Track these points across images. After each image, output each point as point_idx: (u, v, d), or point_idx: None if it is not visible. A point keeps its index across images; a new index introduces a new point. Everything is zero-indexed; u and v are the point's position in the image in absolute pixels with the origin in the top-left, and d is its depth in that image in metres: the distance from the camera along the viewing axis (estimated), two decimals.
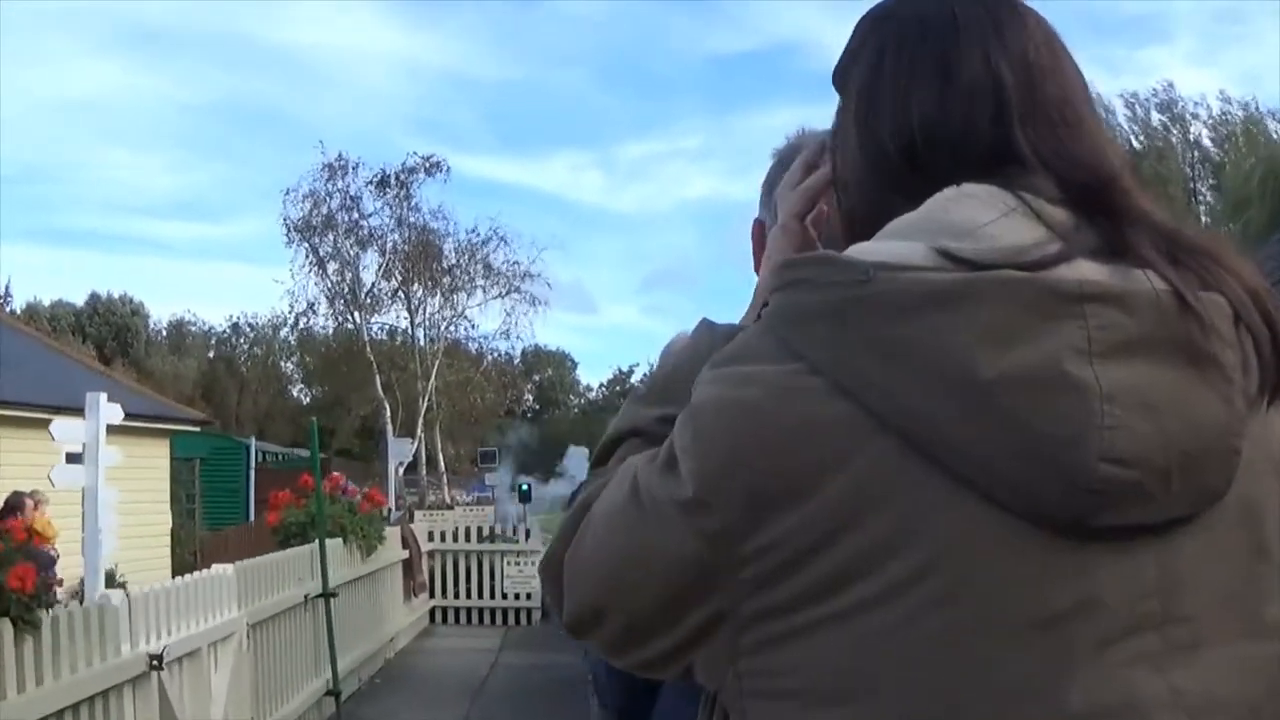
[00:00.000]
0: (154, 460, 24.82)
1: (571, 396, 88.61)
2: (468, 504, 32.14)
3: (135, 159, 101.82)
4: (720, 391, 1.12)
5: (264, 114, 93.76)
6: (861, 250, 1.12)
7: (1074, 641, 1.03)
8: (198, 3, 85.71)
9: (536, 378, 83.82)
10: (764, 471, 1.07)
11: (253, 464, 35.09)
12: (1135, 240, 1.09)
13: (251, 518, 30.47)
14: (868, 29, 1.26)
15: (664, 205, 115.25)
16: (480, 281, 38.21)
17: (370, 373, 36.67)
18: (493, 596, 17.75)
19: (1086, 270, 1.07)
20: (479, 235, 37.90)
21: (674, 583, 1.13)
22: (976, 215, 1.10)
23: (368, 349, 36.84)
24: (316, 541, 10.76)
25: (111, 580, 19.24)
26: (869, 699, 1.05)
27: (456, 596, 17.80)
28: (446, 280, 37.96)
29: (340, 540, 12.05)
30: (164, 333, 72.79)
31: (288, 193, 36.76)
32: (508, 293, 38.26)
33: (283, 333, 40.91)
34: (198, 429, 29.04)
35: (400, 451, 34.76)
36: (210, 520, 29.35)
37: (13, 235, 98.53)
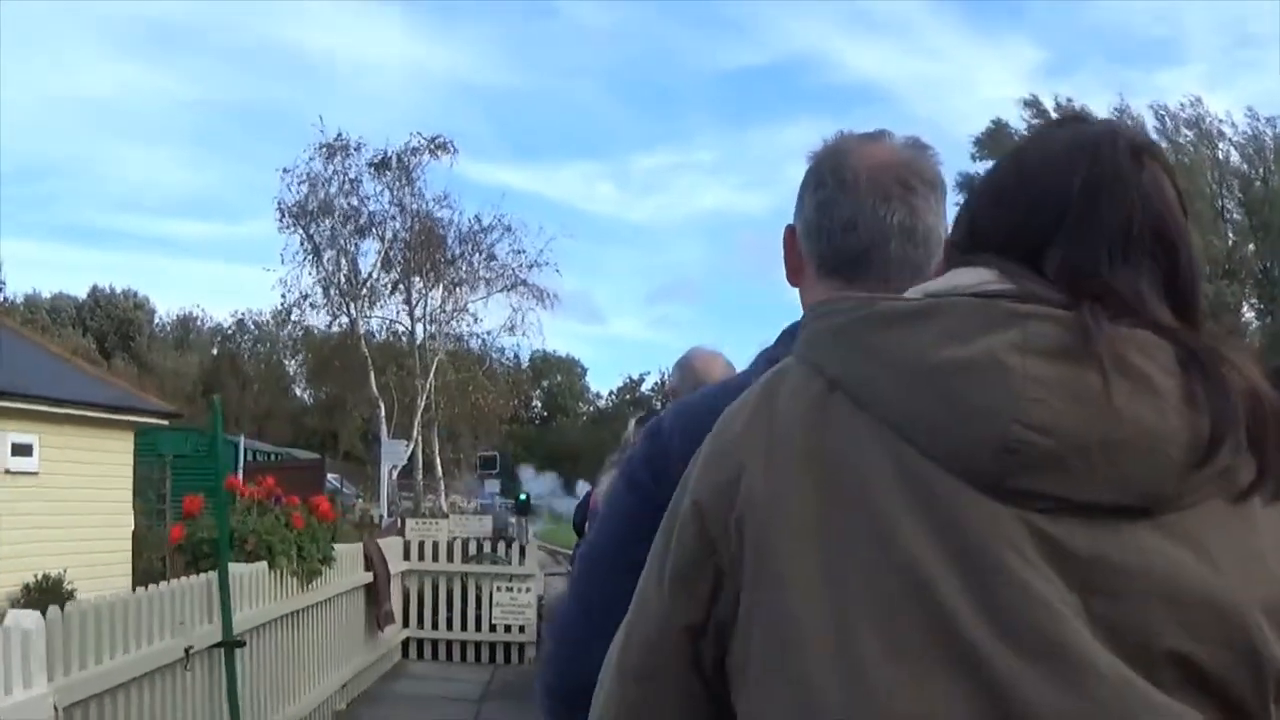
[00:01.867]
0: (114, 455, 21.77)
1: (581, 404, 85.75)
2: (469, 511, 29.12)
3: (148, 157, 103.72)
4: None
5: (277, 115, 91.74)
6: (879, 294, 1.36)
7: (996, 575, 1.14)
8: (214, 3, 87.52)
9: (545, 383, 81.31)
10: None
11: (241, 463, 32.14)
12: (1099, 310, 1.21)
13: None
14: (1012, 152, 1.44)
15: (675, 217, 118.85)
16: (484, 273, 34.88)
17: (366, 370, 33.36)
18: (479, 628, 14.32)
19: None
20: (482, 223, 34.60)
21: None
22: (960, 275, 1.33)
23: (363, 344, 33.51)
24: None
25: (59, 588, 16.59)
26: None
27: (435, 627, 14.37)
28: (450, 272, 34.67)
29: (267, 564, 8.68)
30: (169, 328, 69.87)
31: (284, 172, 33.52)
32: (514, 286, 34.90)
33: (276, 325, 37.33)
34: (165, 421, 26.02)
35: (394, 454, 31.62)
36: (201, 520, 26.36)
37: (24, 230, 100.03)
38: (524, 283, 34.68)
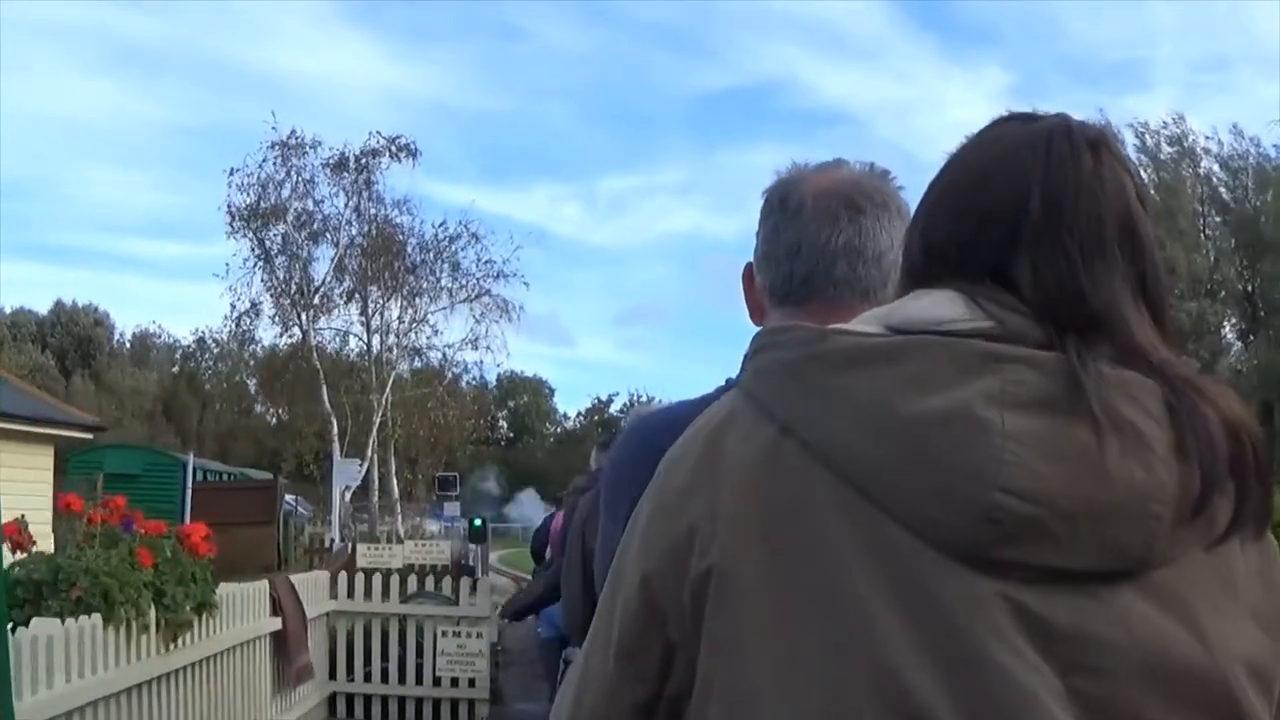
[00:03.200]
0: (32, 472, 19.20)
1: (548, 425, 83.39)
2: (432, 536, 26.55)
3: (119, 178, 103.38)
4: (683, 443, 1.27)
5: (247, 138, 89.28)
6: (831, 326, 1.20)
7: (975, 665, 1.04)
8: (187, 27, 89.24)
9: (511, 404, 79.21)
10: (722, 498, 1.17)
11: (189, 483, 29.78)
12: (1086, 349, 1.11)
13: None
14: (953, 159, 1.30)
15: (643, 240, 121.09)
16: (446, 282, 32.13)
17: (317, 383, 30.58)
18: (420, 681, 11.56)
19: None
20: (448, 230, 31.85)
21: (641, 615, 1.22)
22: (925, 308, 1.17)
23: (314, 355, 30.72)
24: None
25: None
26: (770, 707, 1.10)
27: (368, 680, 11.57)
28: (410, 281, 31.94)
29: (101, 617, 6.03)
30: (128, 345, 67.29)
31: (232, 173, 30.76)
32: (477, 296, 32.16)
33: (238, 344, 34.41)
34: (89, 435, 23.43)
35: (347, 474, 28.97)
36: None
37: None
38: (488, 293, 31.98)
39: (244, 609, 8.67)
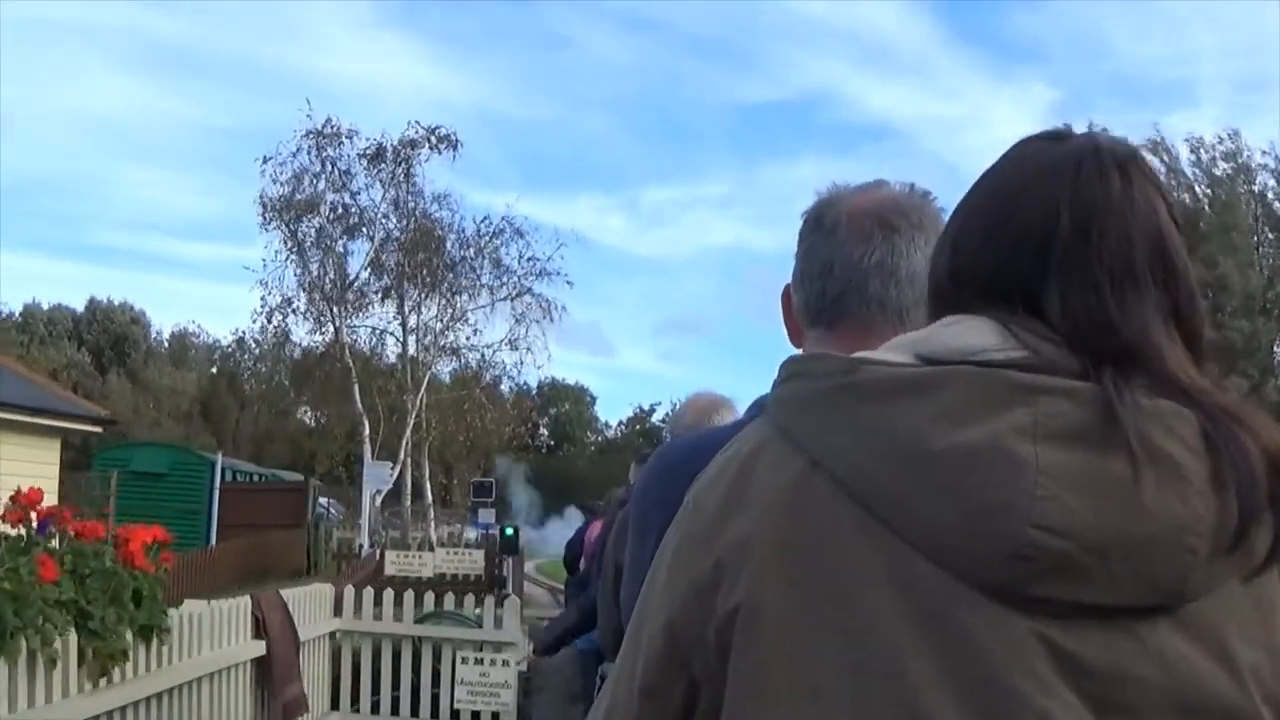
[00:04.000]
0: (35, 466, 17.77)
1: (589, 433, 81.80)
2: (470, 545, 25.01)
3: (159, 178, 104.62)
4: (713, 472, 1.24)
5: (288, 137, 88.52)
6: (859, 355, 1.18)
7: (1007, 705, 1.02)
8: (232, 29, 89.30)
9: (553, 411, 77.79)
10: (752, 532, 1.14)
11: (217, 483, 29.20)
12: (1122, 380, 1.09)
13: (213, 540, 26.70)
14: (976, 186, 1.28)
15: (685, 251, 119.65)
16: (487, 280, 30.55)
17: (349, 382, 29.03)
18: (435, 713, 9.90)
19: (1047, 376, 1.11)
20: (491, 225, 30.25)
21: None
22: (959, 336, 1.15)
23: (347, 353, 29.17)
24: None
25: None
26: None
27: (375, 711, 9.91)
28: (449, 278, 30.37)
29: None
30: (166, 344, 66.29)
31: (265, 162, 29.29)
32: (519, 294, 30.57)
33: (276, 345, 32.86)
34: (98, 429, 22.04)
35: (378, 478, 27.53)
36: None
37: (33, 247, 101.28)
38: (529, 291, 30.38)
39: (215, 632, 7.03)
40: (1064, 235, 1.15)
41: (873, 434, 1.10)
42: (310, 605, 9.14)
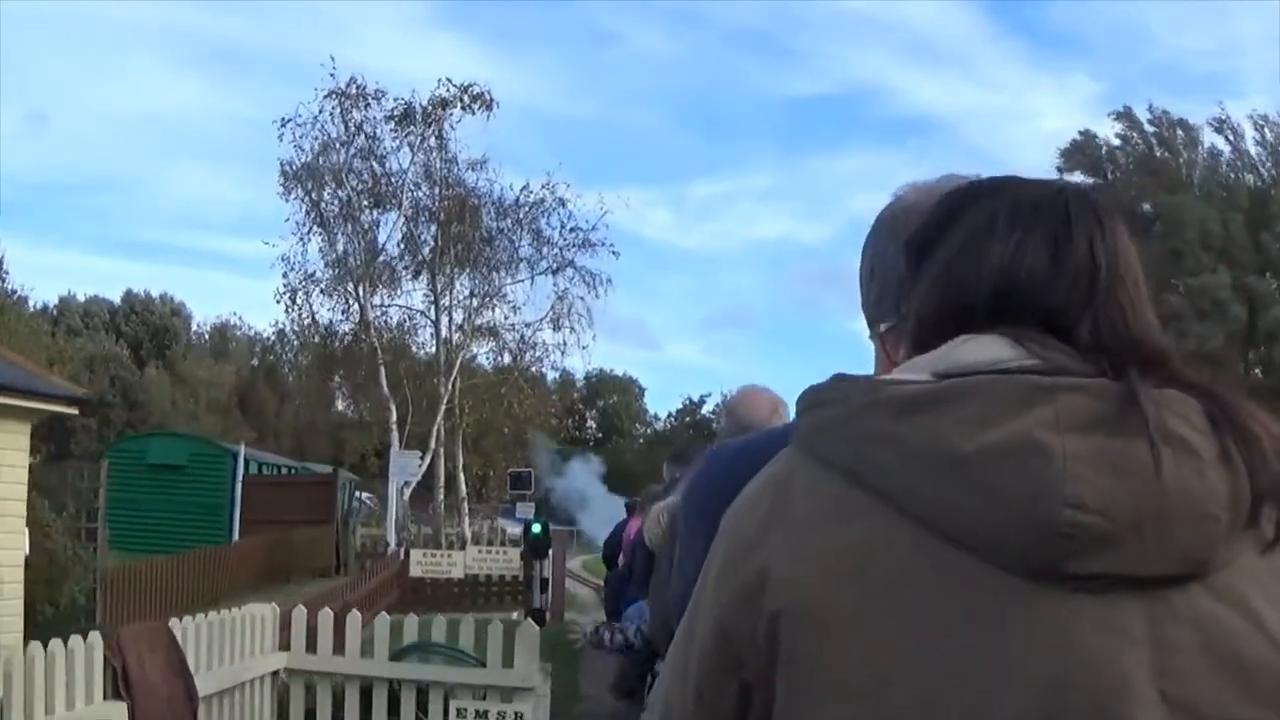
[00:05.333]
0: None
1: (638, 425, 78.77)
2: (508, 542, 22.22)
3: (207, 174, 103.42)
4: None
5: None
6: (879, 378, 1.26)
7: (1065, 686, 1.06)
8: (280, 27, 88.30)
9: (601, 403, 75.21)
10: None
11: (239, 476, 27.61)
12: (1140, 377, 1.15)
13: (235, 537, 25.11)
14: (971, 198, 1.32)
15: (730, 245, 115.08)
16: (526, 252, 27.64)
17: (375, 365, 26.20)
18: None
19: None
20: (530, 194, 27.32)
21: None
22: (973, 352, 1.20)
23: (371, 331, 26.34)
24: None
25: None
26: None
27: None
28: (487, 252, 27.50)
29: None
30: (206, 337, 64.10)
31: (284, 124, 26.51)
32: (560, 268, 27.63)
33: (282, 317, 29.73)
34: (74, 410, 19.42)
35: (405, 469, 24.74)
36: (183, 540, 22.79)
37: (81, 243, 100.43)
38: (571, 264, 27.43)
39: (48, 689, 4.18)
40: (1104, 275, 1.22)
41: (904, 446, 1.13)
42: (242, 635, 6.27)
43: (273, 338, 57.76)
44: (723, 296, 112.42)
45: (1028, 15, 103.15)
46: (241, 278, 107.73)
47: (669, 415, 77.82)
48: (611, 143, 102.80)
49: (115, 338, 59.37)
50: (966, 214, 1.31)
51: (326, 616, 6.91)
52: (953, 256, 1.29)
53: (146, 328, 61.79)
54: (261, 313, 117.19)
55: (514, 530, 28.79)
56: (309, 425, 49.83)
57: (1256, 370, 40.09)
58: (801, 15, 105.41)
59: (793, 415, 1.33)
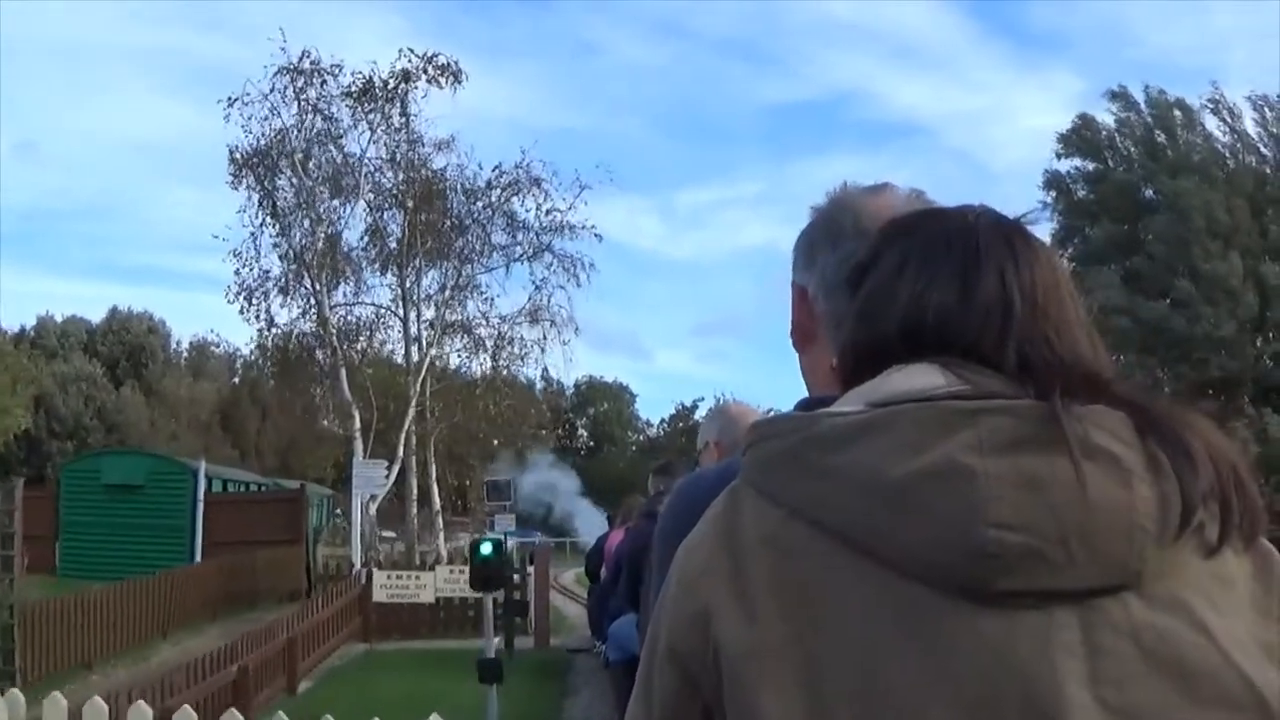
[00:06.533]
0: None
1: (630, 433, 76.15)
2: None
3: (199, 199, 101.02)
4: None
5: None
6: (817, 411, 1.25)
7: (1000, 700, 1.07)
8: (265, 48, 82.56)
9: (591, 411, 73.63)
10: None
11: (199, 494, 25.40)
12: (1065, 397, 1.17)
13: (197, 557, 23.51)
14: (891, 238, 1.36)
15: (720, 252, 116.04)
16: (500, 239, 24.58)
17: (335, 366, 23.18)
18: None
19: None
20: (502, 175, 24.31)
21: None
22: (904, 381, 1.21)
23: (329, 329, 23.32)
24: None
25: None
26: None
27: None
28: (459, 242, 24.47)
29: None
30: (185, 355, 61.63)
31: (231, 104, 23.52)
32: (537, 254, 24.56)
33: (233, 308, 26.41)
34: None
35: (370, 480, 21.74)
36: (141, 565, 20.52)
37: (65, 269, 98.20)
38: (549, 249, 24.34)
39: None
40: (1018, 305, 1.23)
41: (839, 477, 1.16)
42: None
43: (255, 352, 55.05)
44: (713, 304, 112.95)
45: (1009, 16, 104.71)
46: (219, 295, 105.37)
47: (661, 422, 74.78)
48: (599, 154, 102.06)
49: (90, 357, 56.84)
50: (883, 256, 1.33)
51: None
52: (866, 297, 1.33)
53: (122, 346, 59.60)
54: (242, 329, 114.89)
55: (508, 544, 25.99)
56: (292, 440, 46.70)
57: (1265, 360, 37.67)
58: (782, 22, 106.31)
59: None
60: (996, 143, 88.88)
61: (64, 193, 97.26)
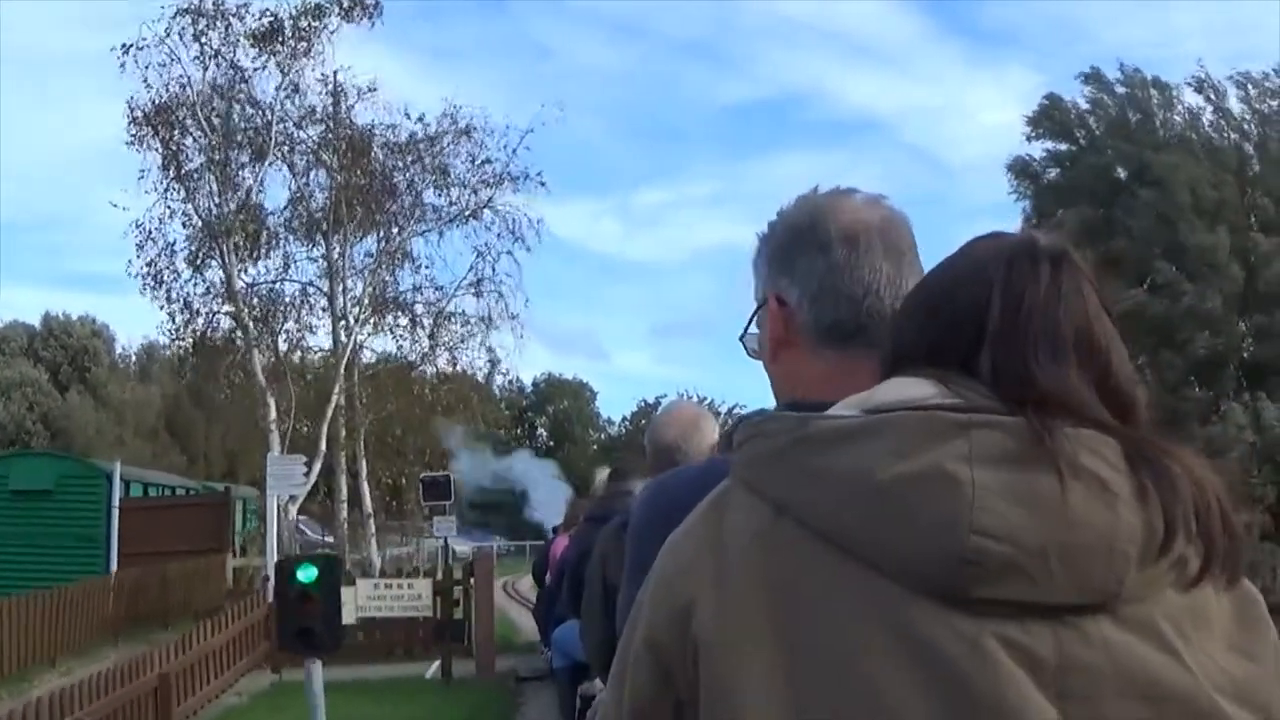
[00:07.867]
0: None
1: (590, 430, 73.31)
2: (414, 572, 18.08)
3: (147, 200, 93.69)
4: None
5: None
6: (809, 414, 1.25)
7: (970, 705, 1.06)
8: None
9: (550, 409, 71.01)
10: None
11: (115, 500, 22.89)
12: (1046, 416, 1.16)
13: (113, 568, 21.27)
14: (940, 287, 1.36)
15: (678, 253, 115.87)
16: (431, 198, 20.90)
17: (248, 345, 19.47)
18: None
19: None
20: (428, 126, 20.64)
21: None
22: (899, 390, 1.22)
23: (239, 303, 19.57)
24: None
25: None
26: None
27: None
28: (391, 206, 20.78)
29: None
30: (131, 358, 57.79)
31: (125, 52, 19.76)
32: (474, 212, 20.83)
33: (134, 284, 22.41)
34: None
35: (286, 477, 18.09)
36: (53, 578, 18.50)
37: (28, 280, 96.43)
38: (489, 205, 20.63)
39: None
40: (995, 317, 1.21)
41: (827, 477, 1.15)
42: None
43: (170, 341, 51.14)
44: (672, 304, 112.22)
45: (962, 12, 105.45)
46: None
47: (623, 419, 71.60)
48: (554, 154, 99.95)
49: (34, 361, 53.06)
50: (920, 296, 1.33)
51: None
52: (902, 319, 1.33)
53: (65, 350, 55.59)
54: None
55: (463, 549, 22.60)
56: (243, 442, 42.57)
57: (1249, 341, 34.85)
58: (736, 22, 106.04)
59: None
60: (953, 138, 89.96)
61: (13, 201, 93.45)
